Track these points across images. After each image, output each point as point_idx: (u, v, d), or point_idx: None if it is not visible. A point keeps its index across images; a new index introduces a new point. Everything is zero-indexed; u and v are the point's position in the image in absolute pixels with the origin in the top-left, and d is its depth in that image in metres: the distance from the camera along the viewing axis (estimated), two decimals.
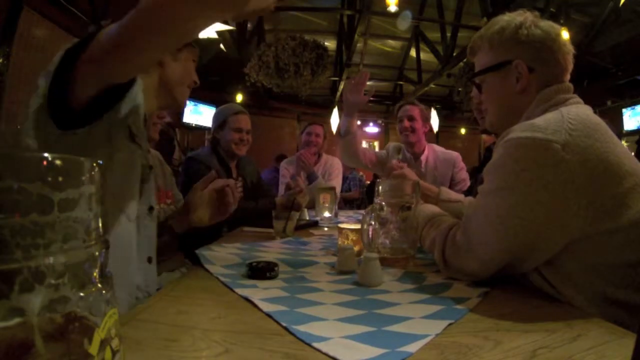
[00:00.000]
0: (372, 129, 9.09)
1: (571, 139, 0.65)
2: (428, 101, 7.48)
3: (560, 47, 0.79)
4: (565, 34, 0.80)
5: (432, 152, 2.14)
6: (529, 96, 0.80)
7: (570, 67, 0.81)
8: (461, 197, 1.17)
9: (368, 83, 1.76)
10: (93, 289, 0.23)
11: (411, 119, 2.09)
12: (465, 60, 5.22)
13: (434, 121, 6.83)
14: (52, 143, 0.67)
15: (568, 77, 0.81)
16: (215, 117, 1.96)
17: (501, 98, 0.86)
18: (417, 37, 6.09)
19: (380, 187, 0.95)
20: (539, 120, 0.70)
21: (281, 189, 2.48)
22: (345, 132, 1.83)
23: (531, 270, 0.74)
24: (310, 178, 2.40)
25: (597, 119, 0.71)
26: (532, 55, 0.80)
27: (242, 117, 1.93)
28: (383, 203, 0.92)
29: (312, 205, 2.03)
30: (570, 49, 0.81)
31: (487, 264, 0.74)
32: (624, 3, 3.23)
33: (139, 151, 0.82)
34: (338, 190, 2.56)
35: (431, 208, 0.97)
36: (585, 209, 0.65)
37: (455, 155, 2.15)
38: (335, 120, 6.33)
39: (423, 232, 0.91)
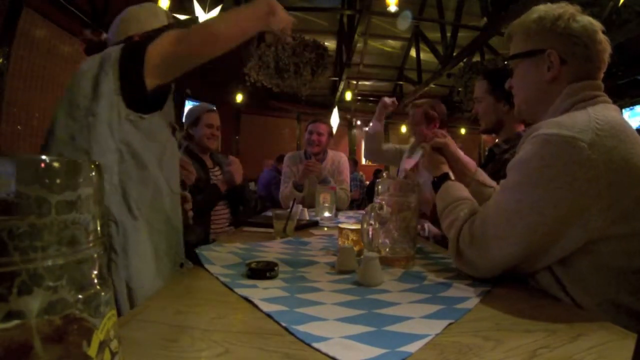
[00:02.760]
0: None
1: (598, 139, 0.65)
2: None
3: (596, 44, 0.79)
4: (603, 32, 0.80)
5: None
6: (559, 87, 0.80)
7: (604, 65, 0.81)
8: (494, 183, 1.15)
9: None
10: (92, 291, 0.23)
11: (416, 124, 2.07)
12: (465, 60, 5.22)
13: None
14: (122, 122, 0.86)
15: (601, 75, 0.81)
16: (189, 115, 2.13)
17: (530, 85, 0.86)
18: (417, 37, 6.09)
19: (380, 187, 0.95)
20: (566, 118, 0.70)
21: (283, 186, 2.46)
22: None
23: (541, 269, 0.73)
24: (324, 183, 2.37)
25: (623, 121, 0.71)
26: (566, 47, 0.79)
27: (213, 114, 2.13)
28: (383, 203, 0.92)
29: (312, 205, 2.03)
30: (607, 48, 0.80)
31: (500, 259, 0.73)
32: (623, 3, 3.22)
33: (176, 144, 1.03)
34: (348, 188, 2.53)
35: (461, 190, 0.94)
36: (607, 210, 0.64)
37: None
38: (335, 120, 6.32)
39: (445, 211, 0.89)
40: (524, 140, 0.75)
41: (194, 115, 2.09)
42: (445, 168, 1.02)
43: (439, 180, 0.99)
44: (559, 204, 0.66)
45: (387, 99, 2.13)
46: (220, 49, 0.89)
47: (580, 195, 0.65)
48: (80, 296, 0.22)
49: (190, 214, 1.21)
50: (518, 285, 0.76)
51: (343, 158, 2.58)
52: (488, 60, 4.94)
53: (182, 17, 3.33)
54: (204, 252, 0.97)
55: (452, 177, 1.00)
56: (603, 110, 0.71)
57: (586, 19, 0.79)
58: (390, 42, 6.71)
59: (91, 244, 0.23)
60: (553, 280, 0.72)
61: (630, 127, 0.70)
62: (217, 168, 2.10)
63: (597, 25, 0.80)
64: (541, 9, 0.83)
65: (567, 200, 0.65)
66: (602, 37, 0.79)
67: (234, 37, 0.90)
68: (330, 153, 2.53)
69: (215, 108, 2.19)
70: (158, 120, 0.94)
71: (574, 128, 0.66)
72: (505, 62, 0.93)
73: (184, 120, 2.16)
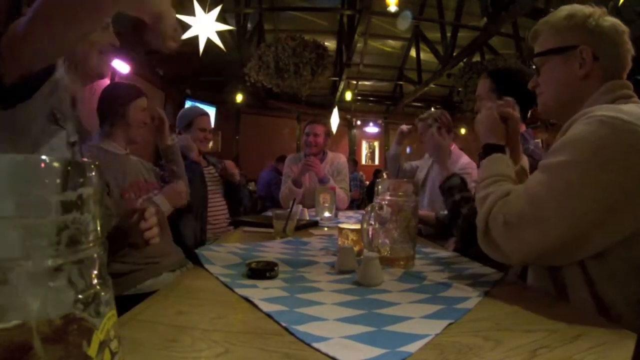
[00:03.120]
0: (372, 129, 9.08)
1: None
2: (428, 101, 7.48)
3: (624, 44, 0.80)
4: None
5: (454, 158, 2.08)
6: (590, 84, 0.80)
7: (629, 67, 0.81)
8: None
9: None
10: (92, 291, 0.23)
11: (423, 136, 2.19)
12: (465, 60, 5.22)
13: None
14: None
15: (625, 76, 0.81)
16: (182, 118, 2.16)
17: (561, 82, 0.85)
18: (417, 37, 6.08)
19: (380, 187, 0.95)
20: (622, 106, 0.69)
21: (283, 187, 2.47)
22: None
23: (571, 264, 0.70)
24: (323, 182, 2.38)
25: None
26: (597, 44, 0.80)
27: (206, 118, 2.17)
28: (383, 203, 0.92)
29: (312, 205, 2.04)
30: (631, 50, 0.81)
31: (535, 244, 0.68)
32: (623, 3, 3.22)
33: (63, 133, 0.86)
34: (348, 188, 2.56)
35: (510, 167, 0.87)
36: None
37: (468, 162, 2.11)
38: (335, 120, 6.32)
39: (484, 182, 0.84)
40: (571, 124, 0.72)
41: (187, 119, 2.12)
42: (501, 139, 0.94)
43: (491, 149, 0.92)
44: (610, 188, 0.63)
45: (404, 127, 2.33)
46: (81, 16, 0.69)
47: (634, 181, 0.63)
48: (80, 296, 0.22)
49: (151, 233, 1.00)
50: (518, 286, 0.76)
51: (342, 159, 2.62)
52: (488, 60, 4.94)
53: (182, 17, 3.32)
54: (204, 252, 0.97)
55: (505, 151, 0.93)
56: None
57: (614, 20, 0.81)
58: (390, 42, 6.71)
59: (91, 244, 0.23)
60: (581, 277, 0.69)
61: None
62: (210, 167, 2.17)
63: (624, 27, 0.80)
64: (569, 8, 0.83)
65: (620, 185, 0.63)
66: (628, 39, 0.80)
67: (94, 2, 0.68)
68: (330, 154, 2.57)
69: (207, 112, 2.24)
70: (30, 112, 0.78)
71: (632, 115, 0.65)
72: (534, 60, 0.91)
73: (176, 123, 2.19)
